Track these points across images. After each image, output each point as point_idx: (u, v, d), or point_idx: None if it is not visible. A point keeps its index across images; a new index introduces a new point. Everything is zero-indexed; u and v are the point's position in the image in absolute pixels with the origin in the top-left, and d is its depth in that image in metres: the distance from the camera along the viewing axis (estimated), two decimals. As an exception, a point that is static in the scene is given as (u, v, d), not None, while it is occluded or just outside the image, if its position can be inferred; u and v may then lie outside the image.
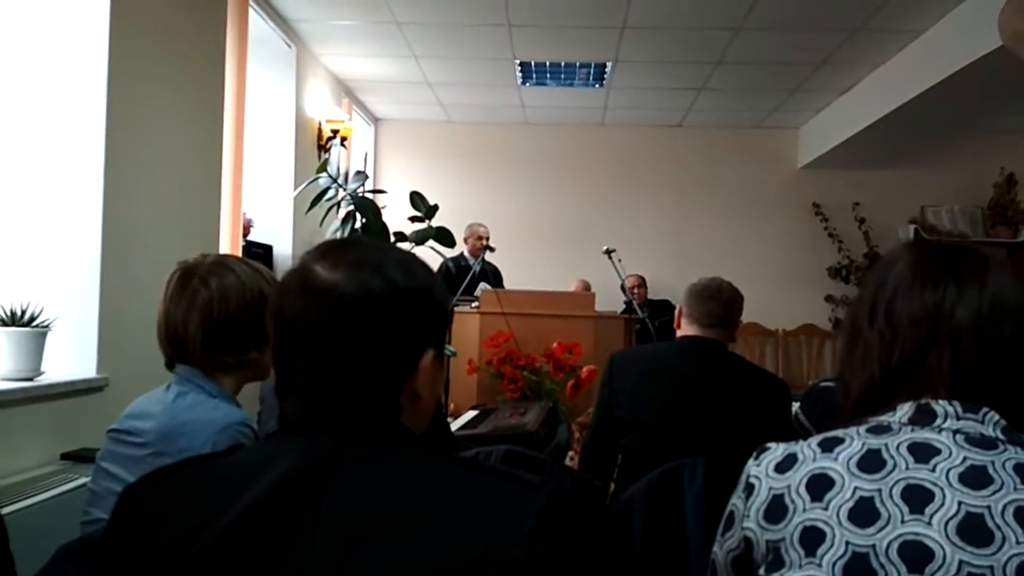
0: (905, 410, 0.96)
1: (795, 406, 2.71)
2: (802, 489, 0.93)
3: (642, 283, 6.87)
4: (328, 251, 0.94)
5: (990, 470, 0.88)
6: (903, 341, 0.98)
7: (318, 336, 0.88)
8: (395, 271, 0.92)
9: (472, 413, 3.37)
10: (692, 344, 2.55)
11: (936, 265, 1.00)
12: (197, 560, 0.81)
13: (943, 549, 0.84)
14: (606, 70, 6.05)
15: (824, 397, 2.69)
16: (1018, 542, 0.83)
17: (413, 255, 1.01)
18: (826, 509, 0.90)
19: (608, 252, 5.07)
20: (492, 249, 5.68)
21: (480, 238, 6.07)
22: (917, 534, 0.86)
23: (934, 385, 0.96)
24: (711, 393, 2.43)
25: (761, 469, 0.98)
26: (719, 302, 2.52)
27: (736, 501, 1.01)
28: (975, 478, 0.88)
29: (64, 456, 2.72)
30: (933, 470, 0.89)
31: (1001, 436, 0.92)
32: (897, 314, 0.99)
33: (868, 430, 0.96)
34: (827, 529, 0.89)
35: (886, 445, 0.93)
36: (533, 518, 0.80)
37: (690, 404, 2.41)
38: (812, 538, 0.90)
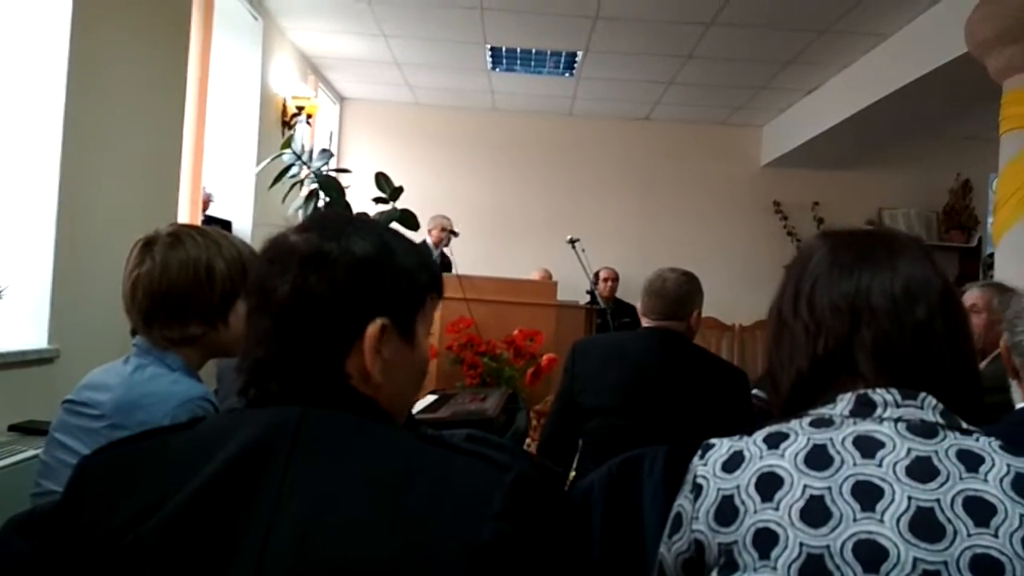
0: (845, 402, 0.95)
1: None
2: (751, 489, 0.92)
3: (615, 277, 6.85)
4: (308, 219, 0.96)
5: (935, 460, 0.89)
6: (827, 331, 0.99)
7: (268, 293, 0.90)
8: (354, 236, 0.91)
9: (431, 398, 3.35)
10: (654, 333, 2.59)
11: (850, 253, 1.02)
12: (153, 537, 0.79)
13: (897, 547, 0.84)
14: (576, 59, 6.04)
15: None
16: (969, 534, 0.84)
17: (400, 234, 0.99)
18: (777, 509, 0.89)
19: (572, 242, 5.07)
20: (456, 234, 5.76)
21: (443, 230, 6.13)
22: (870, 532, 0.85)
23: (863, 372, 0.96)
24: (672, 381, 2.47)
25: (708, 469, 0.97)
26: (661, 298, 2.57)
27: (683, 502, 0.99)
28: (921, 470, 0.88)
29: (12, 428, 2.64)
30: (880, 465, 0.89)
31: (940, 420, 0.92)
32: (819, 304, 1.00)
33: (811, 423, 0.95)
34: (780, 531, 0.88)
35: (831, 440, 0.92)
36: (501, 499, 0.78)
37: (651, 391, 2.45)
38: (765, 540, 0.89)
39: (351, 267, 0.89)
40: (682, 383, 2.47)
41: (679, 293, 2.58)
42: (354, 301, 0.89)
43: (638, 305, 2.69)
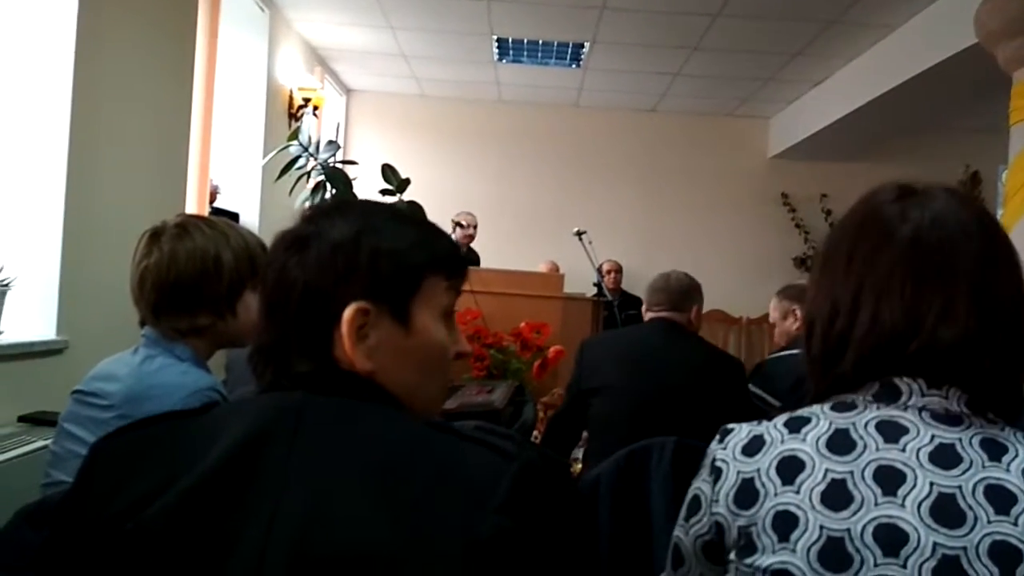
0: (869, 387, 0.94)
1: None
2: (772, 472, 0.91)
3: (618, 269, 6.89)
4: (313, 206, 0.95)
5: (958, 448, 0.88)
6: (882, 343, 0.93)
7: (263, 282, 0.91)
8: (336, 218, 0.90)
9: (438, 389, 3.35)
10: (658, 321, 2.75)
11: (927, 263, 0.94)
12: (154, 523, 0.78)
13: (917, 532, 0.84)
14: (583, 50, 6.02)
15: (772, 368, 3.01)
16: (989, 521, 0.84)
17: (402, 215, 0.96)
18: (798, 493, 0.89)
19: (579, 234, 5.06)
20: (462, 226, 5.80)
21: (455, 224, 6.16)
22: (891, 517, 0.85)
23: (906, 378, 0.93)
24: (673, 363, 2.62)
25: (728, 452, 0.96)
26: (665, 292, 2.76)
27: (702, 485, 0.98)
28: (944, 457, 0.88)
29: (21, 418, 2.65)
30: (903, 450, 0.89)
31: (965, 410, 0.91)
32: (882, 313, 0.93)
33: (832, 408, 0.95)
34: (800, 513, 0.88)
35: (854, 424, 0.92)
36: (505, 489, 0.76)
37: (652, 371, 2.59)
38: (785, 523, 0.88)
39: (323, 250, 0.87)
40: (682, 366, 2.61)
41: (681, 288, 2.76)
42: (328, 284, 0.87)
43: (648, 295, 2.82)
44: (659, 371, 2.58)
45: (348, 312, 0.86)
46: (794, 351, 2.92)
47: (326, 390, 0.85)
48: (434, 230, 0.96)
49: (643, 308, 2.85)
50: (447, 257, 0.95)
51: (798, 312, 3.08)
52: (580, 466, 2.70)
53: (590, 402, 2.64)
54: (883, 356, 0.94)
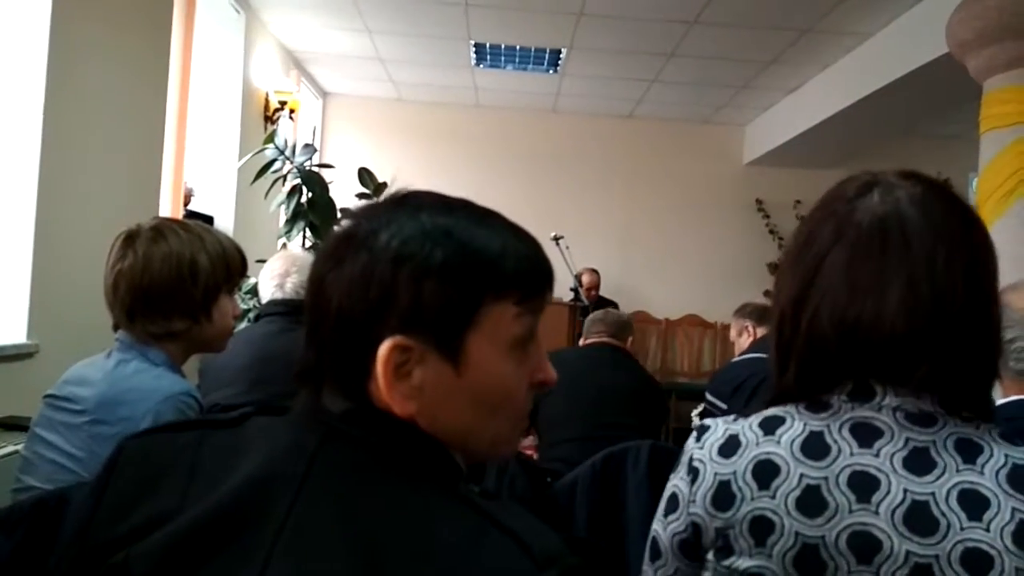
0: (843, 386, 0.93)
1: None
2: (748, 476, 0.91)
3: (596, 285, 6.73)
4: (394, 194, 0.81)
5: (932, 451, 0.88)
6: (841, 356, 0.92)
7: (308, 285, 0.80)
8: (388, 224, 0.74)
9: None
10: (599, 344, 3.17)
11: (871, 261, 0.92)
12: (139, 564, 0.70)
13: (890, 539, 0.84)
14: (560, 56, 6.04)
15: (718, 376, 3.30)
16: (962, 528, 0.84)
17: (478, 216, 0.82)
18: (774, 498, 0.89)
19: (556, 239, 5.08)
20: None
21: None
22: (865, 524, 0.85)
23: (873, 384, 0.92)
24: (615, 370, 3.06)
25: (704, 452, 0.96)
26: (605, 322, 3.20)
27: (679, 483, 0.98)
28: (918, 462, 0.87)
29: (-9, 423, 2.62)
30: (877, 455, 0.88)
31: (939, 409, 0.90)
32: (841, 323, 0.92)
33: (806, 407, 0.94)
34: (776, 519, 0.88)
35: (828, 427, 0.91)
36: None
37: (598, 376, 3.00)
38: (761, 528, 0.89)
39: (356, 269, 0.73)
40: (623, 370, 3.06)
41: (618, 321, 3.19)
42: (360, 313, 0.73)
43: (588, 325, 3.23)
44: (604, 376, 2.97)
45: (383, 351, 0.71)
46: (739, 359, 3.21)
47: (353, 432, 0.73)
48: (511, 238, 0.81)
49: (582, 340, 3.21)
50: (517, 276, 0.77)
51: (751, 329, 3.35)
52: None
53: (539, 405, 2.87)
54: (847, 350, 0.92)
